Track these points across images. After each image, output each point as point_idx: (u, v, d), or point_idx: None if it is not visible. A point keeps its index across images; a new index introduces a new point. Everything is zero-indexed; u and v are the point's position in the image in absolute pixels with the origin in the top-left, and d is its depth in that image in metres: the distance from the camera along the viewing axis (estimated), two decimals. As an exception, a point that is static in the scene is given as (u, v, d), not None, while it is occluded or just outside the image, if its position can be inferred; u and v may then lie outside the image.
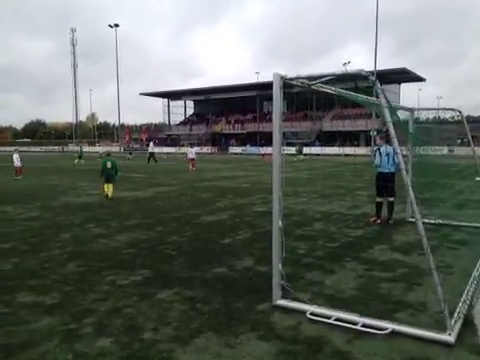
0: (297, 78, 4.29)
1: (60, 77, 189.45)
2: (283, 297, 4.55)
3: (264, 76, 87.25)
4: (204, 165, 31.80)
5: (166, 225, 8.89)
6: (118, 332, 3.93)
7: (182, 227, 8.68)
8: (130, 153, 45.10)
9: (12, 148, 25.84)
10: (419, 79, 60.88)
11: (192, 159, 26.89)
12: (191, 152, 27.67)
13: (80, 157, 35.47)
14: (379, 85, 4.10)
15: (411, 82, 63.72)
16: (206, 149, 65.70)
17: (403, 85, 63.75)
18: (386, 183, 8.68)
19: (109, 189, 13.04)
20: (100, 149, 34.79)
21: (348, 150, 48.43)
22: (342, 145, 52.16)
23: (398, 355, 3.52)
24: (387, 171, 8.68)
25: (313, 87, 4.71)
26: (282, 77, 4.28)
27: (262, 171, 24.79)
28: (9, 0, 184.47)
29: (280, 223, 4.63)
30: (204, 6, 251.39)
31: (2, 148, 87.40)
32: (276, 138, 4.47)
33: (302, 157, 38.84)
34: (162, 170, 26.79)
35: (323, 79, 4.24)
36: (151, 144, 38.34)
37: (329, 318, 4.12)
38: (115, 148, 68.79)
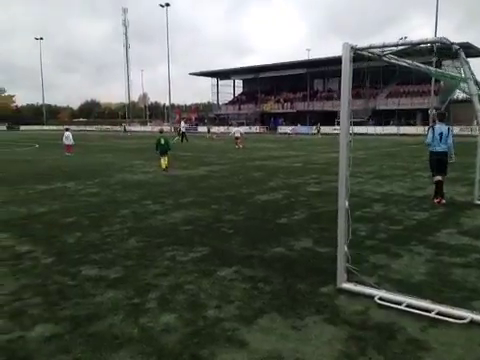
0: (369, 48, 3.97)
1: (114, 57, 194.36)
2: (348, 280, 4.35)
3: (317, 53, 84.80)
4: (254, 145, 31.64)
5: (220, 203, 8.86)
6: (181, 308, 3.92)
7: (237, 206, 8.61)
8: (179, 133, 44.14)
9: (70, 127, 27.03)
10: (483, 54, 56.67)
11: (237, 138, 27.56)
12: (238, 131, 28.58)
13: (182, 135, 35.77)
14: (464, 55, 3.71)
15: (475, 57, 59.36)
16: (255, 128, 65.36)
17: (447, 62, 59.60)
18: (437, 162, 8.61)
19: (165, 162, 14.66)
20: (166, 127, 35.85)
21: (404, 129, 46.31)
22: (398, 124, 49.92)
23: (479, 346, 3.25)
24: (438, 150, 8.52)
25: (384, 59, 4.36)
26: (352, 47, 3.99)
27: (313, 151, 24.29)
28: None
29: (346, 204, 4.36)
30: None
31: (61, 127, 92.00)
32: (344, 115, 4.22)
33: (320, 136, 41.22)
34: (211, 149, 26.94)
35: (398, 48, 3.89)
36: (182, 123, 39.11)
37: (400, 304, 3.87)
38: (166, 127, 70.08)
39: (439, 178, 8.61)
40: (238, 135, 27.86)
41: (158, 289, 4.37)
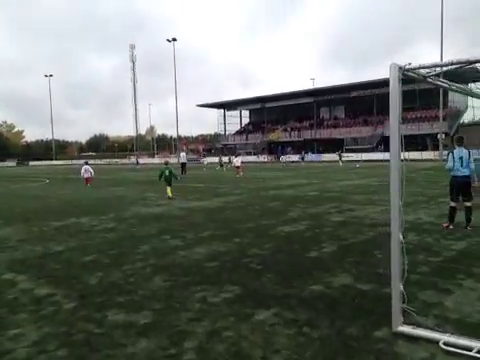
0: (419, 68, 3.70)
1: (123, 91, 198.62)
2: (404, 323, 3.93)
3: (322, 81, 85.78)
4: (263, 174, 31.45)
5: (243, 236, 8.50)
6: (224, 360, 3.52)
7: (260, 239, 8.24)
8: (221, 164, 40.94)
9: (78, 161, 27.43)
10: (490, 77, 56.95)
11: (237, 167, 30.23)
12: (237, 160, 31.50)
13: (221, 165, 38.76)
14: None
15: (480, 81, 59.78)
16: (263, 158, 65.43)
17: (471, 85, 59.91)
18: (460, 187, 8.49)
19: (170, 190, 15.86)
20: (182, 157, 34.58)
21: (413, 155, 45.96)
22: (406, 150, 49.59)
23: None
24: (461, 175, 8.38)
25: (429, 80, 4.09)
26: (400, 68, 3.72)
27: (325, 179, 23.96)
28: (79, 19, 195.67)
29: (401, 237, 4.01)
30: (265, 15, 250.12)
31: (69, 162, 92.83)
32: (394, 140, 3.93)
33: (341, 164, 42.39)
34: (222, 179, 26.73)
35: (450, 68, 3.62)
36: (182, 154, 36.68)
37: (470, 350, 3.45)
38: (173, 160, 70.40)
39: (454, 205, 8.60)
40: (238, 164, 30.41)
41: (194, 337, 3.97)
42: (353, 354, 3.54)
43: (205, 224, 10.09)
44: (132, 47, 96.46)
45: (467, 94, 5.07)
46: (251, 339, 3.88)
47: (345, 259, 6.51)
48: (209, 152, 76.21)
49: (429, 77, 4.01)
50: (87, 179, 22.31)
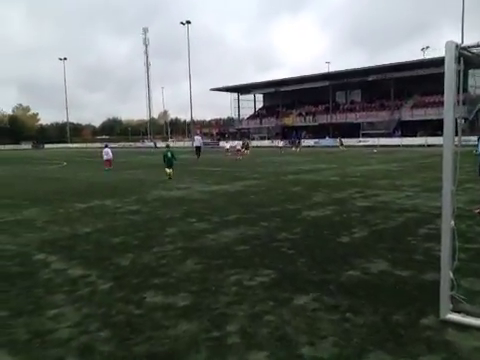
0: (477, 45, 3.50)
1: (136, 75, 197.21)
2: (453, 310, 3.81)
3: (339, 65, 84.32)
4: (280, 158, 31.24)
5: (269, 220, 8.41)
6: (269, 345, 3.46)
7: (287, 223, 8.14)
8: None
9: (92, 144, 28.10)
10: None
11: (238, 150, 32.40)
12: (238, 144, 34.19)
13: (246, 148, 37.01)
14: None
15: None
16: (276, 142, 64.94)
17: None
18: None
19: (170, 171, 17.11)
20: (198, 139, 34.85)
21: (432, 140, 45.12)
22: (424, 135, 48.70)
23: None
24: None
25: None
26: (457, 46, 3.52)
27: (344, 164, 23.66)
28: (95, 1, 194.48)
29: (452, 223, 3.86)
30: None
31: (84, 145, 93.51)
32: (448, 124, 3.72)
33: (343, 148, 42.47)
34: (238, 164, 26.61)
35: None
36: (197, 138, 36.74)
37: (526, 341, 3.33)
38: (188, 143, 70.34)
39: None
40: (239, 147, 33.11)
41: (235, 320, 3.92)
42: (402, 342, 3.45)
43: (229, 208, 10.02)
44: (145, 30, 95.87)
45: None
46: (294, 324, 3.81)
47: (378, 245, 6.39)
48: (223, 136, 75.90)
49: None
50: (106, 161, 22.85)
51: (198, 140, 35.22)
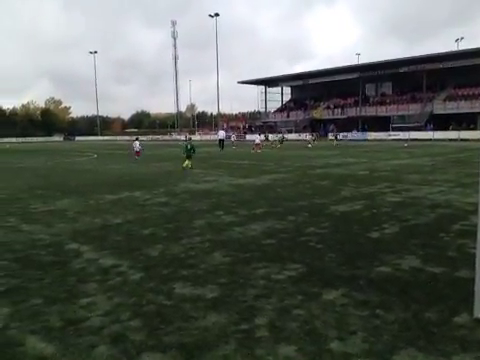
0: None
1: (165, 68, 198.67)
2: (488, 310, 3.70)
3: (371, 56, 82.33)
4: (307, 152, 30.99)
5: (297, 215, 8.35)
6: (298, 338, 3.44)
7: (315, 217, 8.07)
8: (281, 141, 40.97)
9: (122, 137, 29.97)
10: None
11: (257, 144, 32.69)
12: (258, 138, 34.30)
13: (281, 142, 39.87)
14: None
15: None
16: (304, 136, 64.35)
17: None
18: None
19: (188, 163, 18.13)
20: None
21: (465, 134, 43.72)
22: (457, 129, 47.17)
23: None
24: None
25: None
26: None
27: (373, 158, 23.25)
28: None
29: (490, 219, 3.72)
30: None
31: (114, 137, 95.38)
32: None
33: (336, 142, 41.78)
34: (265, 157, 26.54)
35: None
36: (220, 132, 38.76)
37: None
38: (214, 136, 70.54)
39: None
40: (258, 142, 33.15)
41: (264, 313, 3.92)
42: (434, 340, 3.36)
43: (256, 201, 10.02)
44: (173, 23, 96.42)
45: None
46: (323, 319, 3.78)
47: (410, 241, 6.25)
48: (249, 129, 75.78)
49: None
50: (137, 152, 25.04)
51: (221, 133, 37.49)
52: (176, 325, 3.75)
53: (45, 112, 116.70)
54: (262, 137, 36.97)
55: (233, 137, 46.82)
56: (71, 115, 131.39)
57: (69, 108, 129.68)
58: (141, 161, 23.52)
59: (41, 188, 13.25)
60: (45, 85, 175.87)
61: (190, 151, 18.39)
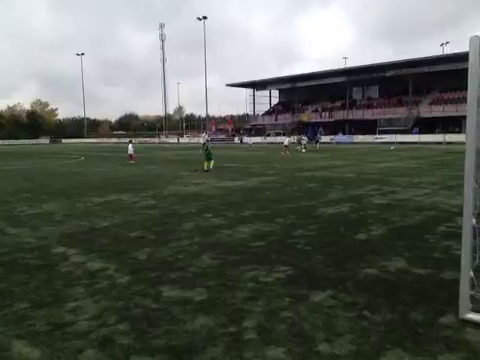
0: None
1: (153, 70, 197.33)
2: (473, 310, 3.76)
3: (358, 61, 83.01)
4: (298, 155, 31.12)
5: (285, 217, 8.39)
6: (286, 341, 3.46)
7: (303, 220, 8.11)
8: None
9: (109, 139, 29.88)
10: None
11: (286, 146, 31.74)
12: (286, 140, 33.81)
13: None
14: None
15: None
16: (292, 138, 64.61)
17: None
18: None
19: (208, 164, 18.71)
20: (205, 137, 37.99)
21: (450, 137, 44.35)
22: (443, 132, 47.82)
23: None
24: None
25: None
26: (483, 40, 3.44)
27: (360, 161, 23.46)
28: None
29: (474, 221, 3.79)
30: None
31: (101, 140, 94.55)
32: (471, 120, 3.62)
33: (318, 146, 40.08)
34: (253, 160, 26.60)
35: None
36: (203, 135, 40.46)
37: None
38: (202, 139, 70.49)
39: None
40: (287, 143, 32.37)
41: (252, 316, 3.93)
42: (421, 341, 3.41)
43: (245, 204, 10.03)
44: (162, 26, 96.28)
45: None
46: (311, 321, 3.81)
47: (396, 243, 6.32)
48: (238, 132, 75.84)
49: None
50: (131, 156, 25.01)
51: (205, 138, 40.48)
52: (164, 328, 3.74)
53: (31, 114, 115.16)
54: (291, 139, 37.42)
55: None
56: (58, 117, 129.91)
57: (56, 110, 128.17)
58: (129, 164, 23.40)
59: (27, 191, 13.08)
60: (32, 86, 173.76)
61: (209, 153, 19.17)
